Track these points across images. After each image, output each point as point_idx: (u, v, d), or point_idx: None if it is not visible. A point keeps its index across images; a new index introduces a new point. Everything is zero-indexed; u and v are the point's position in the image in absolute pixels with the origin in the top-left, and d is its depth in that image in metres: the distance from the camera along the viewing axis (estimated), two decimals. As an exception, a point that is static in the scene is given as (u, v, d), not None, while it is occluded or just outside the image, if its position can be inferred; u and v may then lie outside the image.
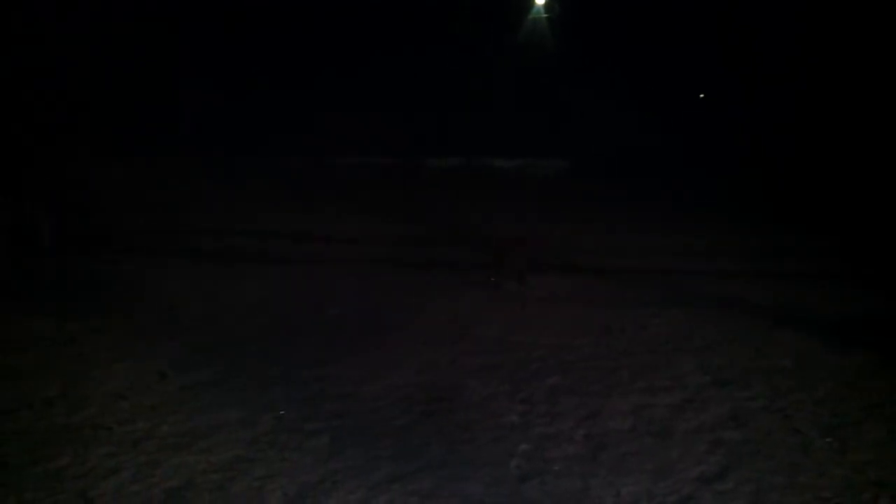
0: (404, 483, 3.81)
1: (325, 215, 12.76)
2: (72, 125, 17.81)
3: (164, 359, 5.69)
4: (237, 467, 4.01)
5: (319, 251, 9.77)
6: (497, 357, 5.70)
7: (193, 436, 4.39)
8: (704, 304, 7.15)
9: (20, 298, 7.39)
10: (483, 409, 4.74)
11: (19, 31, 16.97)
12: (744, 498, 3.66)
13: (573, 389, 5.02)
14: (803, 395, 4.91)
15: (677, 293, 7.59)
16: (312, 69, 21.52)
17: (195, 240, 10.63)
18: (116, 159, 17.67)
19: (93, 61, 18.19)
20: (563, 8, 22.74)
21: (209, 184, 16.33)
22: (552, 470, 3.92)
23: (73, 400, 4.95)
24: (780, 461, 4.01)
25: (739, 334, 6.25)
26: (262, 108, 21.41)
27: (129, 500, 3.71)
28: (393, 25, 21.11)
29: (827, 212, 12.29)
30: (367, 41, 21.25)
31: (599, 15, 20.76)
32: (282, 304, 7.31)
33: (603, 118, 19.56)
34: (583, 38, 20.99)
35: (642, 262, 8.89)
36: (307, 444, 4.27)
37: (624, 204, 13.60)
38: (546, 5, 23.50)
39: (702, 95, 22.26)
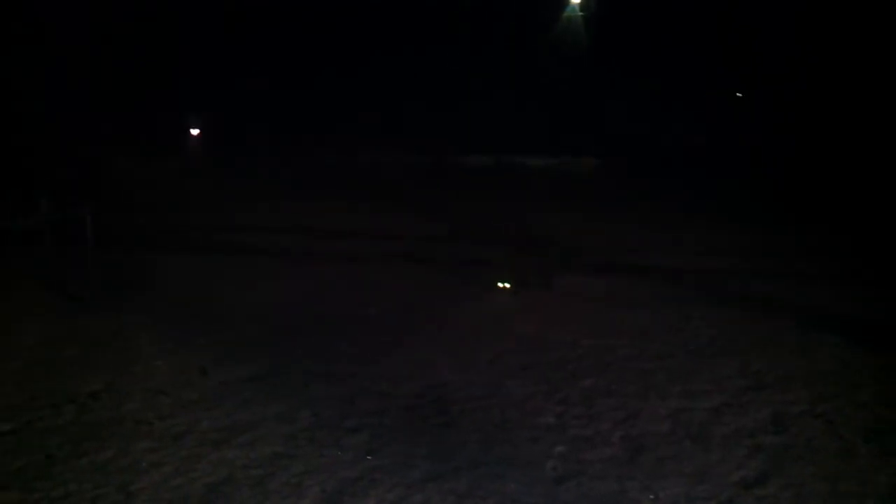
0: (441, 482, 3.83)
1: (359, 213, 12.83)
2: (104, 125, 18.17)
3: (204, 355, 5.78)
4: (276, 463, 4.07)
5: (355, 248, 9.83)
6: (533, 357, 5.69)
7: (233, 431, 4.45)
8: (742, 306, 7.06)
9: (64, 295, 7.55)
10: (519, 410, 4.74)
11: (54, 36, 17.36)
12: (784, 503, 3.61)
13: (610, 391, 5.00)
14: (845, 400, 4.83)
15: (713, 294, 7.51)
16: (344, 65, 21.62)
17: (233, 237, 10.75)
18: (151, 158, 17.99)
19: (116, 62, 18.53)
20: (599, 6, 22.59)
21: (242, 182, 16.52)
22: (589, 472, 3.91)
23: (115, 395, 5.05)
24: (822, 467, 3.95)
25: (778, 336, 6.16)
26: (293, 105, 21.58)
27: (170, 494, 3.77)
28: (426, 23, 21.15)
29: (842, 211, 12.04)
30: (400, 38, 21.30)
31: (634, 13, 20.59)
32: (319, 302, 7.37)
33: (636, 116, 19.42)
34: (618, 36, 20.83)
35: (676, 262, 8.79)
36: (345, 441, 4.31)
37: (656, 203, 13.46)
38: (581, 4, 23.36)
39: (739, 94, 21.97)
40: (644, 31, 20.03)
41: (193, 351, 5.90)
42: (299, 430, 4.46)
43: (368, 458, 4.09)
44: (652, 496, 3.67)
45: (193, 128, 21.09)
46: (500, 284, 7.60)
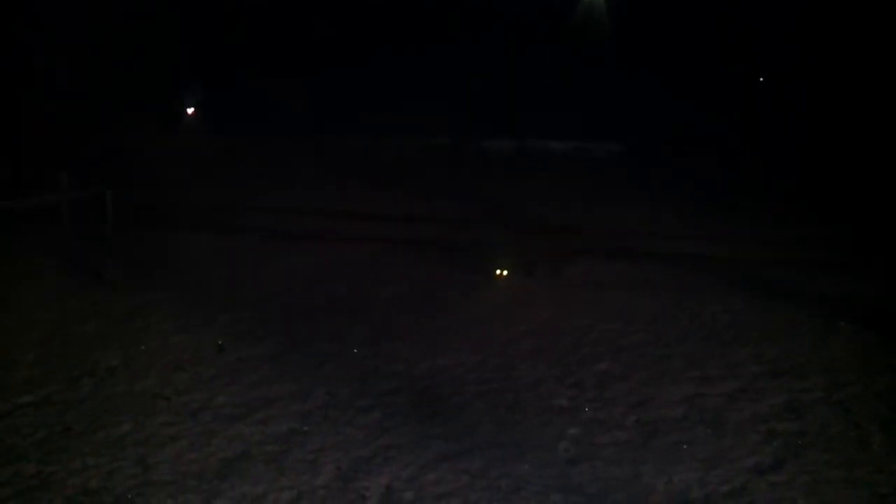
0: (454, 462, 3.85)
1: (376, 196, 12.82)
2: (124, 104, 18.27)
3: (221, 332, 5.82)
4: (291, 440, 4.10)
5: (370, 231, 9.83)
6: (548, 341, 5.69)
7: (249, 408, 4.49)
8: (757, 293, 7.00)
9: (83, 272, 7.62)
10: (533, 392, 4.75)
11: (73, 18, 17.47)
12: (799, 490, 3.60)
13: (624, 376, 4.99)
14: (861, 388, 4.80)
15: (730, 280, 7.45)
16: (364, 48, 21.56)
17: (252, 217, 10.79)
18: (170, 137, 18.07)
19: (134, 41, 18.60)
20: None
21: (263, 162, 16.55)
22: (602, 455, 3.92)
23: (133, 370, 5.11)
24: (837, 455, 3.94)
25: (793, 324, 6.10)
26: (317, 87, 21.56)
27: (187, 468, 3.82)
28: (446, 5, 21.02)
29: (851, 203, 11.87)
30: (421, 22, 21.20)
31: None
32: (337, 282, 7.39)
33: (658, 102, 19.23)
34: (640, 21, 20.62)
35: (691, 248, 8.73)
36: (359, 420, 4.34)
37: (673, 189, 13.34)
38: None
39: (761, 79, 21.72)
40: (667, 15, 19.82)
41: (210, 328, 5.95)
42: (314, 408, 4.50)
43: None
44: (666, 480, 3.67)
45: (189, 106, 21.05)
46: (498, 272, 7.55)
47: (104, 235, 7.53)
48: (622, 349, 5.51)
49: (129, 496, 3.55)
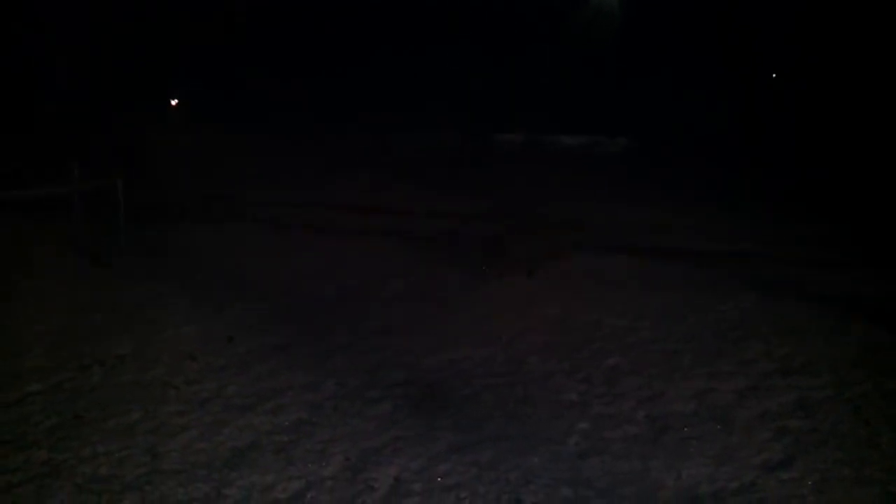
0: (464, 454, 3.85)
1: (386, 191, 12.83)
2: (137, 98, 18.35)
3: (231, 323, 5.84)
4: (301, 430, 4.11)
5: (380, 225, 9.84)
6: (557, 336, 5.68)
7: (258, 398, 4.50)
8: (767, 290, 6.96)
9: (95, 261, 7.65)
10: (542, 386, 4.74)
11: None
12: (808, 488, 3.59)
13: (634, 371, 4.98)
14: (871, 387, 4.76)
15: (738, 278, 7.41)
16: (370, 47, 21.55)
17: (263, 210, 10.82)
18: (182, 132, 18.13)
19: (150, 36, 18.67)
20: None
21: (276, 158, 16.58)
22: (611, 449, 3.91)
23: (143, 359, 5.12)
24: (848, 453, 3.91)
25: (805, 321, 6.07)
26: (323, 86, 21.58)
27: (196, 457, 3.83)
28: (450, 5, 21.01)
29: (856, 201, 11.79)
30: (426, 22, 21.18)
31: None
32: (347, 274, 7.40)
33: (669, 98, 19.17)
34: (652, 17, 20.55)
35: (698, 245, 8.70)
36: (368, 411, 4.34)
37: (681, 186, 13.29)
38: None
39: (774, 75, 21.61)
40: (670, 15, 19.75)
41: (219, 319, 5.97)
42: (324, 399, 4.50)
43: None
44: (675, 476, 3.66)
45: (173, 97, 21.07)
46: (504, 267, 7.50)
47: (114, 226, 7.56)
48: (631, 345, 5.50)
49: (139, 484, 3.56)
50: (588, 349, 5.42)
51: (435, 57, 20.64)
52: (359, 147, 18.35)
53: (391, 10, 21.33)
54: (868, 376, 4.91)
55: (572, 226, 9.85)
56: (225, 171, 14.49)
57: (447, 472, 3.68)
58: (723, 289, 6.96)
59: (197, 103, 20.30)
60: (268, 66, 21.06)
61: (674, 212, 10.84)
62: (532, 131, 19.71)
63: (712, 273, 7.54)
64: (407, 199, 11.76)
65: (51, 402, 4.47)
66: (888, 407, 4.47)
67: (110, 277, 7.17)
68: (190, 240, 8.91)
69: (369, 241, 8.92)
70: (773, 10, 18.23)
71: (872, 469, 3.76)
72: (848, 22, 17.10)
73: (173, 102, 21.27)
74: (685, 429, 4.15)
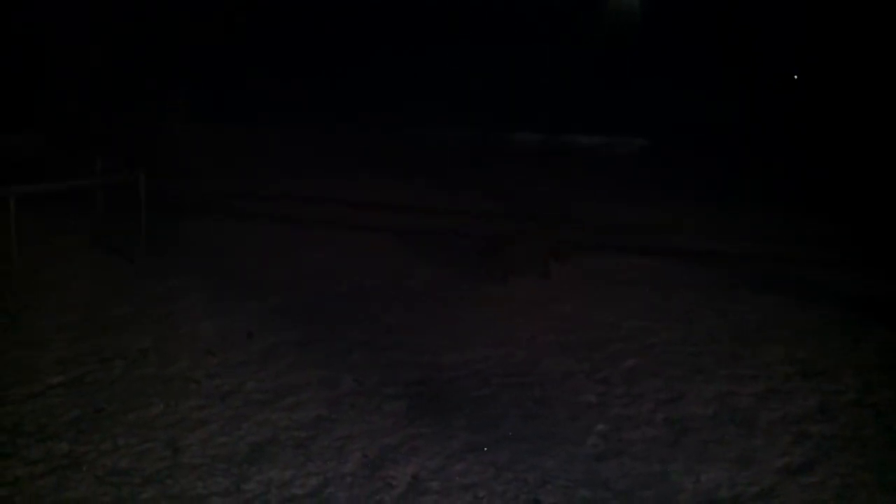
0: (480, 453, 3.85)
1: (401, 188, 12.83)
2: (159, 92, 18.48)
3: (250, 318, 5.87)
4: (319, 426, 4.12)
5: (396, 222, 9.85)
6: (575, 336, 5.67)
7: (277, 393, 4.52)
8: (787, 291, 6.91)
9: (116, 255, 7.72)
10: (560, 387, 4.73)
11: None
12: (829, 492, 3.55)
13: (653, 373, 4.95)
14: (894, 391, 4.72)
15: (758, 278, 7.36)
16: (391, 40, 21.55)
17: (281, 205, 10.87)
18: (202, 125, 18.23)
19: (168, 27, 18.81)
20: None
21: (291, 153, 16.64)
22: (630, 451, 3.89)
23: (164, 353, 5.16)
24: (870, 458, 3.88)
25: (826, 324, 6.02)
26: (345, 80, 21.62)
27: (216, 451, 3.85)
28: (466, 2, 20.98)
29: (874, 203, 11.65)
30: (446, 14, 21.16)
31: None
32: (360, 272, 7.41)
33: (686, 98, 19.05)
34: (670, 17, 20.42)
35: (721, 245, 8.63)
36: (386, 409, 4.35)
37: (699, 186, 13.20)
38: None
39: (795, 77, 21.42)
40: (696, 12, 19.63)
41: (239, 314, 6.00)
42: (342, 396, 4.52)
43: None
44: (694, 479, 3.64)
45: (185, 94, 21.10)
46: (520, 265, 7.43)
47: (136, 219, 7.62)
48: (650, 346, 5.47)
49: (160, 477, 3.59)
50: (606, 350, 5.40)
51: (450, 55, 20.63)
52: (373, 144, 18.37)
53: (406, 6, 21.34)
54: (891, 380, 4.87)
55: (588, 225, 9.82)
56: (240, 167, 14.57)
57: (464, 471, 3.68)
58: (741, 290, 6.92)
59: (209, 100, 20.41)
60: (286, 62, 21.13)
61: (689, 212, 10.78)
62: (547, 131, 19.66)
63: (730, 274, 7.50)
64: (421, 197, 11.75)
65: (73, 394, 4.52)
66: (911, 413, 4.43)
67: (131, 271, 7.24)
68: (209, 234, 8.97)
69: (384, 238, 8.93)
70: (781, 11, 18.10)
71: (895, 475, 3.72)
72: (855, 22, 16.96)
73: (184, 99, 21.36)
74: (704, 432, 4.12)
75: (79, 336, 5.49)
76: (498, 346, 5.41)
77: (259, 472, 3.65)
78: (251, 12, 20.85)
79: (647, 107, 19.04)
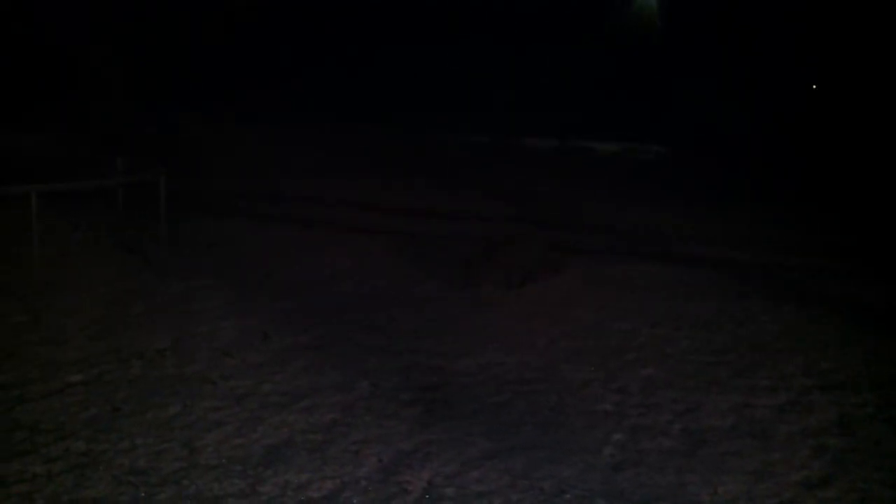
0: (496, 461, 3.84)
1: (419, 191, 12.86)
2: (182, 92, 18.64)
3: (267, 320, 5.89)
4: (334, 430, 4.13)
5: (411, 226, 9.86)
6: (591, 343, 5.65)
7: (293, 396, 4.54)
8: (806, 302, 6.85)
9: (136, 255, 7.78)
10: (576, 395, 4.71)
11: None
12: (848, 508, 3.52)
13: (670, 382, 4.93)
14: (916, 407, 4.67)
15: (780, 289, 7.32)
16: (407, 42, 21.59)
17: (298, 207, 10.92)
18: (224, 126, 18.35)
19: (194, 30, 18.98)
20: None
21: (306, 154, 16.70)
22: (647, 462, 3.87)
23: (181, 354, 5.19)
24: (889, 473, 3.83)
25: (846, 336, 5.96)
26: (361, 81, 21.68)
27: (232, 452, 3.87)
28: (485, 4, 20.99)
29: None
30: (464, 17, 21.18)
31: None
32: (374, 275, 7.43)
33: (706, 105, 18.96)
34: (690, 23, 20.35)
35: (740, 254, 8.58)
36: (402, 414, 4.35)
37: (717, 193, 13.13)
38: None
39: (814, 86, 21.28)
40: (718, 17, 19.55)
41: (255, 316, 6.02)
42: (357, 400, 4.52)
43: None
44: (711, 491, 3.61)
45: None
46: (535, 271, 7.37)
47: (155, 219, 7.67)
48: (668, 355, 5.44)
49: (176, 478, 3.60)
50: (622, 358, 5.37)
51: (466, 58, 20.63)
52: (389, 147, 18.40)
53: (422, 8, 21.38)
54: (911, 396, 4.81)
55: (604, 231, 9.79)
56: (256, 167, 14.65)
57: (480, 478, 3.67)
58: (759, 299, 6.87)
59: (228, 99, 20.54)
60: (306, 64, 21.24)
61: (707, 220, 10.74)
62: (561, 136, 19.61)
63: (748, 283, 7.45)
64: (436, 201, 11.77)
65: (91, 393, 4.55)
66: (932, 428, 4.38)
67: (150, 270, 7.28)
68: (226, 235, 9.02)
69: (398, 241, 8.95)
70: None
71: (915, 491, 3.68)
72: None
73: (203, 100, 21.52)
74: (722, 443, 4.09)
75: (98, 334, 5.54)
76: (513, 353, 5.40)
77: (275, 474, 3.66)
78: (272, 13, 20.99)
79: (666, 114, 18.98)
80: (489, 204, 11.59)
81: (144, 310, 6.13)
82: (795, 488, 3.66)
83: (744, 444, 4.08)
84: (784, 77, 19.24)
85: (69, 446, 3.88)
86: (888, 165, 14.48)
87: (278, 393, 4.58)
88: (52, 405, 4.36)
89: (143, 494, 3.46)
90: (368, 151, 17.49)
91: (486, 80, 20.53)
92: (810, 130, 18.10)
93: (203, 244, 8.44)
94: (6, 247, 7.75)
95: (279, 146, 17.42)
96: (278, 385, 4.70)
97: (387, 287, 7.06)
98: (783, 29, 18.60)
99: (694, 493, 3.60)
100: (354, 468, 3.74)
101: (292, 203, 11.28)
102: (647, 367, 5.18)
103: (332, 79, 21.37)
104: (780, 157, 16.85)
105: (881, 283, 7.59)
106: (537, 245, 7.87)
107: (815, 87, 21.00)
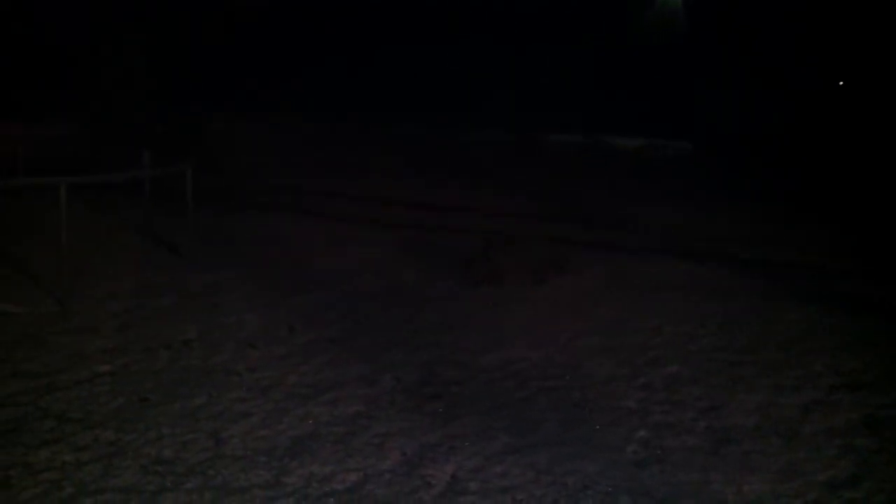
0: (520, 456, 3.84)
1: (444, 188, 12.87)
2: (206, 86, 18.79)
3: (292, 312, 5.94)
4: (358, 423, 4.15)
5: (434, 221, 9.87)
6: (616, 340, 5.63)
7: (318, 388, 4.57)
8: (837, 303, 6.77)
9: (163, 247, 7.86)
10: (600, 391, 4.70)
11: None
12: (875, 509, 3.49)
13: (694, 380, 4.90)
14: (945, 408, 4.61)
15: (805, 288, 7.24)
16: (430, 38, 21.57)
17: (322, 202, 10.97)
18: (248, 122, 18.49)
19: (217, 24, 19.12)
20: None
21: (333, 150, 16.78)
22: (671, 459, 3.86)
23: (207, 345, 5.25)
24: (917, 474, 3.79)
25: (873, 336, 5.89)
26: (383, 78, 21.72)
27: (258, 444, 3.90)
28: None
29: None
30: (486, 15, 21.12)
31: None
32: (400, 269, 7.45)
33: (731, 102, 18.78)
34: (714, 20, 20.16)
35: (764, 253, 8.50)
36: (425, 407, 4.37)
37: (745, 191, 12.99)
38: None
39: (841, 83, 21.00)
40: (741, 15, 19.34)
41: (282, 309, 6.07)
42: (381, 393, 4.55)
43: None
44: (735, 490, 3.59)
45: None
46: (558, 267, 7.33)
47: (183, 212, 7.74)
48: (693, 353, 5.41)
49: (202, 468, 3.64)
50: (646, 355, 5.35)
51: (492, 54, 20.58)
52: (414, 143, 18.42)
53: (443, 8, 21.36)
54: (940, 397, 4.75)
55: (629, 228, 9.74)
56: (282, 162, 14.74)
57: (503, 473, 3.68)
58: (786, 298, 6.81)
59: (251, 95, 20.66)
60: (330, 61, 21.34)
61: (732, 218, 10.66)
62: (589, 131, 19.52)
63: (774, 282, 7.38)
64: (461, 197, 11.76)
65: (119, 382, 4.61)
66: (961, 429, 4.32)
67: (176, 262, 7.37)
68: (251, 228, 9.11)
69: (422, 236, 8.96)
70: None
71: (943, 493, 3.63)
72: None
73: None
74: (747, 442, 4.07)
75: (125, 325, 5.61)
76: (536, 348, 5.40)
77: (300, 465, 3.69)
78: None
79: (693, 109, 18.84)
80: (510, 201, 11.58)
81: (172, 301, 6.20)
82: (821, 488, 3.63)
83: (769, 443, 4.05)
84: (805, 75, 19.01)
85: (97, 435, 3.94)
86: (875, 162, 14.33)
87: (303, 385, 4.62)
88: (80, 394, 4.43)
89: (169, 484, 3.50)
90: (380, 149, 17.52)
91: (498, 79, 20.48)
92: (835, 129, 17.89)
93: (231, 236, 8.53)
94: (35, 238, 7.86)
95: (291, 141, 17.54)
96: (303, 377, 4.73)
97: (410, 281, 7.08)
98: (802, 29, 18.41)
99: (718, 491, 3.58)
100: (378, 461, 3.76)
101: (323, 198, 11.33)
102: (671, 365, 5.16)
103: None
104: (807, 155, 16.66)
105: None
106: (554, 244, 7.84)
107: (841, 83, 20.73)
